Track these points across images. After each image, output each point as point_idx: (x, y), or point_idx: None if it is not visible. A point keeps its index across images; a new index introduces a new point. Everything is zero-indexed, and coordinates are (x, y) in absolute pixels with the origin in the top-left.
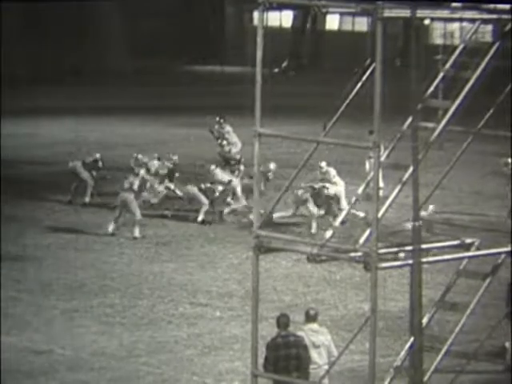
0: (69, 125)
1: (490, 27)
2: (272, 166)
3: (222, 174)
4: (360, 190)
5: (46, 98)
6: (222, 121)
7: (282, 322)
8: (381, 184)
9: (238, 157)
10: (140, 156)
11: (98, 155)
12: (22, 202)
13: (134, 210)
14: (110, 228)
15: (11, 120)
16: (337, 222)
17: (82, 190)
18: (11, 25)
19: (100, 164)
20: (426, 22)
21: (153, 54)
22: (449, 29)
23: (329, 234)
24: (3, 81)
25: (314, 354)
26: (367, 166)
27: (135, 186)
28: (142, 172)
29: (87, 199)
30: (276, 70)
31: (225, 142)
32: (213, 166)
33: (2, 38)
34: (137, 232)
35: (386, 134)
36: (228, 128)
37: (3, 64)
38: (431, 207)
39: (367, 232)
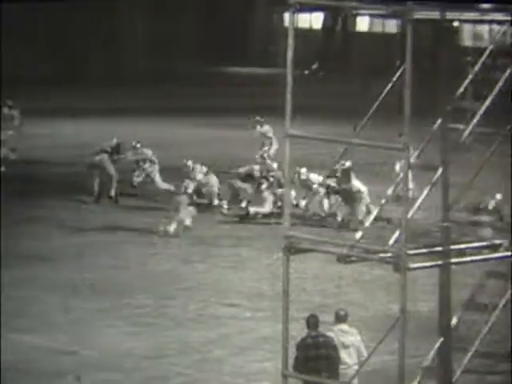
0: (95, 126)
1: None
2: (303, 170)
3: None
4: (389, 192)
5: (64, 98)
6: (261, 120)
7: (312, 322)
8: (410, 185)
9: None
10: (190, 162)
11: (115, 139)
12: (49, 203)
13: (185, 213)
14: (172, 228)
15: (34, 120)
16: (367, 223)
17: (105, 186)
18: (31, 24)
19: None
20: (456, 23)
21: (182, 55)
22: (478, 30)
23: (359, 234)
24: (25, 81)
25: (343, 354)
26: (397, 167)
27: (190, 190)
28: (201, 176)
29: (113, 192)
30: (306, 72)
31: (268, 143)
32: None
33: (18, 38)
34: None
35: (415, 135)
36: (267, 127)
37: (24, 64)
38: (498, 196)
39: (397, 233)
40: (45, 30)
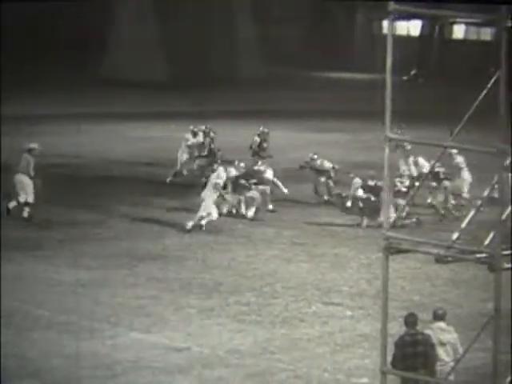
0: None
1: None
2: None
3: None
4: (485, 193)
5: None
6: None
7: (410, 320)
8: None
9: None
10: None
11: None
12: (158, 204)
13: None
14: None
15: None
16: (463, 224)
17: None
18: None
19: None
20: None
21: (283, 60)
22: None
23: (455, 235)
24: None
25: (441, 351)
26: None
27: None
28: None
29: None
30: (405, 78)
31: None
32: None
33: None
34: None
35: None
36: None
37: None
38: None
39: (492, 234)
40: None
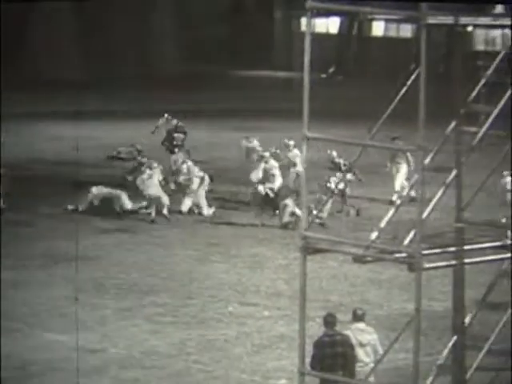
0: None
1: None
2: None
3: None
4: (405, 193)
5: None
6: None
7: (329, 321)
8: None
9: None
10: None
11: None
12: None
13: None
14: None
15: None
16: (382, 224)
17: None
18: (69, 28)
19: None
20: (469, 28)
21: (203, 58)
22: (490, 35)
23: (374, 235)
24: (79, 83)
25: (360, 352)
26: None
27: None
28: None
29: None
30: (323, 76)
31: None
32: None
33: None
34: None
35: (430, 137)
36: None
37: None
38: None
39: (411, 233)
40: (77, 31)
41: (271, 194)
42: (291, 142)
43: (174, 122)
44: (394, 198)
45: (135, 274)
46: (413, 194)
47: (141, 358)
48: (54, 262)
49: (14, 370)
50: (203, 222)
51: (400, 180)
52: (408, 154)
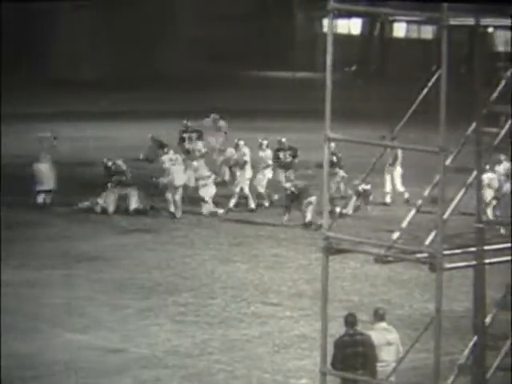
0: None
1: None
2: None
3: None
4: (426, 193)
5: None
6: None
7: (350, 320)
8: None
9: None
10: None
11: None
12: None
13: None
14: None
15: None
16: (403, 224)
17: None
18: (84, 30)
19: None
20: (490, 29)
21: (224, 59)
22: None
23: (395, 235)
24: (84, 85)
25: (384, 351)
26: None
27: None
28: None
29: None
30: (347, 70)
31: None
32: None
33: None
34: None
35: (450, 138)
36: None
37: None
38: None
39: (433, 233)
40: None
41: (295, 192)
42: (264, 142)
43: (222, 122)
44: (388, 199)
45: (157, 274)
46: (406, 196)
47: (162, 357)
48: (75, 261)
49: (34, 370)
50: (225, 221)
51: (395, 181)
52: (399, 155)
